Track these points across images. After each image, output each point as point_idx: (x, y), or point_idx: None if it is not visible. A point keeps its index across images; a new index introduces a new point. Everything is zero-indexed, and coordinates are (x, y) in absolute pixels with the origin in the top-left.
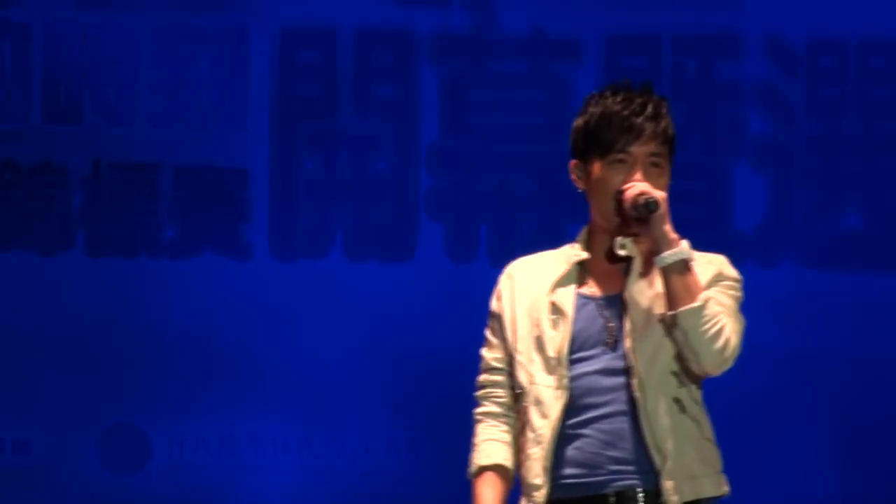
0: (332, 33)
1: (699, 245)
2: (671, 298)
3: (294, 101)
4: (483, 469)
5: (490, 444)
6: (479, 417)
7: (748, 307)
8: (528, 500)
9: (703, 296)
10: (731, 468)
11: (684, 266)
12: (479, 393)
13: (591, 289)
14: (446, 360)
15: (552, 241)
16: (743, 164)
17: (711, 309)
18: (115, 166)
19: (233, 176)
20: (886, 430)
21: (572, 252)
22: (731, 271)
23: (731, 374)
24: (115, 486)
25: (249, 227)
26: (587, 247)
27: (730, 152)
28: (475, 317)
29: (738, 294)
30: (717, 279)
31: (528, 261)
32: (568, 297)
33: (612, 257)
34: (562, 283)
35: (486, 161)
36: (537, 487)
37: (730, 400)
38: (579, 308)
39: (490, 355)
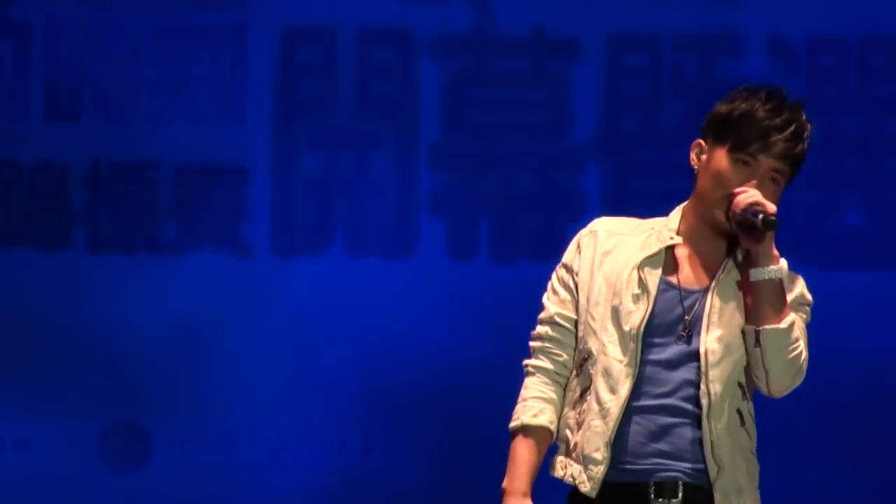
0: (332, 31)
1: None
2: (757, 313)
3: (294, 98)
4: (527, 428)
5: (538, 402)
6: (530, 370)
7: None
8: (585, 471)
9: (788, 319)
10: None
11: (779, 284)
12: (536, 345)
13: (676, 276)
14: (447, 359)
15: (552, 240)
16: None
17: (795, 333)
18: (115, 164)
19: (233, 174)
20: (887, 429)
21: (666, 233)
22: (808, 294)
23: None
24: (116, 484)
25: (250, 225)
26: (678, 230)
27: None
28: (475, 315)
29: (809, 318)
30: (798, 301)
31: (615, 223)
32: (654, 278)
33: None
34: (650, 262)
35: (486, 159)
36: (596, 462)
37: None
38: (661, 292)
39: (555, 309)
